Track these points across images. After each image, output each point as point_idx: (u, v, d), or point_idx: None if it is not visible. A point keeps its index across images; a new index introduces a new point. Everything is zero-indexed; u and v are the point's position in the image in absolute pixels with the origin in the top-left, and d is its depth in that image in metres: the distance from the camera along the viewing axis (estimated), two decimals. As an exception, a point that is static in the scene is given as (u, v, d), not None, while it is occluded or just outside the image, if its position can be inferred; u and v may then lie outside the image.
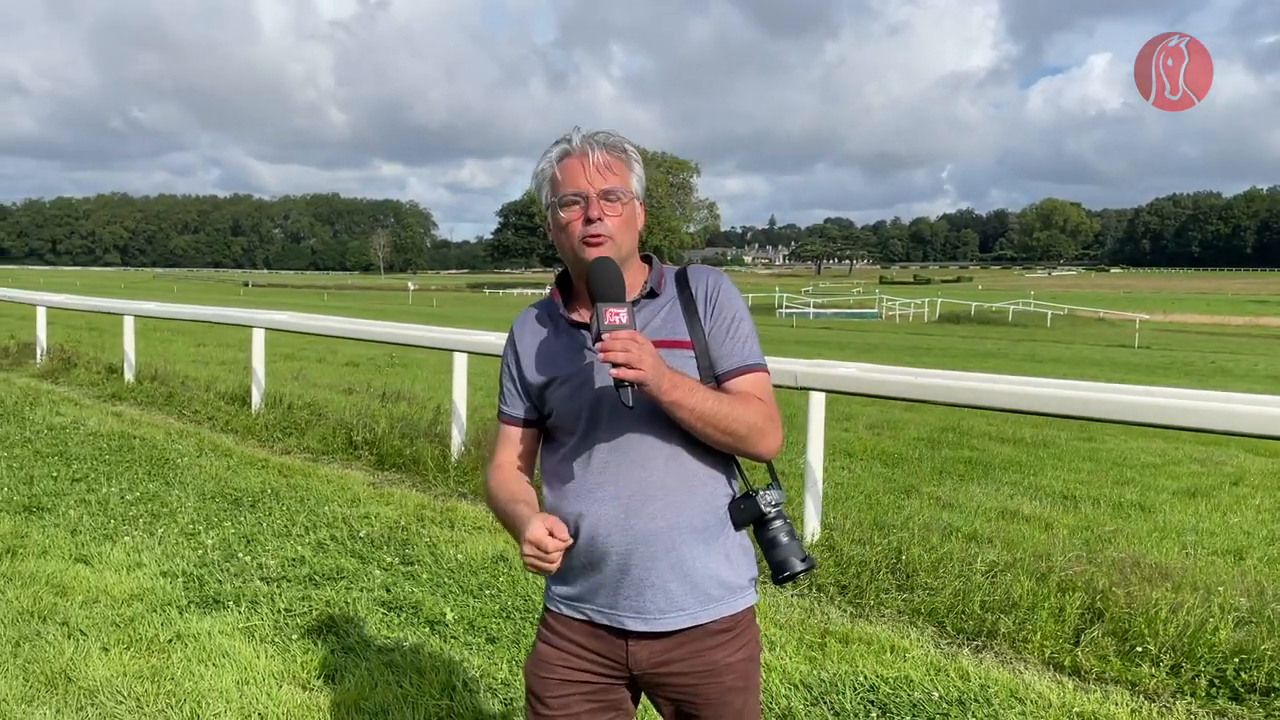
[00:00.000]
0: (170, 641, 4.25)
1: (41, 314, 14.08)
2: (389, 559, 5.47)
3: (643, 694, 2.14)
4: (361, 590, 4.94)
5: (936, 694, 3.87)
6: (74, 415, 9.88)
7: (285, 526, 6.05)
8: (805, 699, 3.83)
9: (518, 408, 2.17)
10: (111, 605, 4.66)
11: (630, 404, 1.85)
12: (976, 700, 3.84)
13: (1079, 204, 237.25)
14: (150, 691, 3.76)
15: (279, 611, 4.63)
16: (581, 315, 2.07)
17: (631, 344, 1.82)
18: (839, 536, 5.58)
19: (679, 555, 2.01)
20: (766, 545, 2.07)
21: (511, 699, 3.78)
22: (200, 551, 5.50)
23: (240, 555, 5.44)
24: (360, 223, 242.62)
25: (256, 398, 9.93)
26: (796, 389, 5.74)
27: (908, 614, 4.75)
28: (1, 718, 3.52)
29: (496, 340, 8.04)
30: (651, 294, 2.08)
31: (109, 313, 13.85)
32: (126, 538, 5.72)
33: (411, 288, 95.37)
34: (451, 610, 4.68)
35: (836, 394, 5.87)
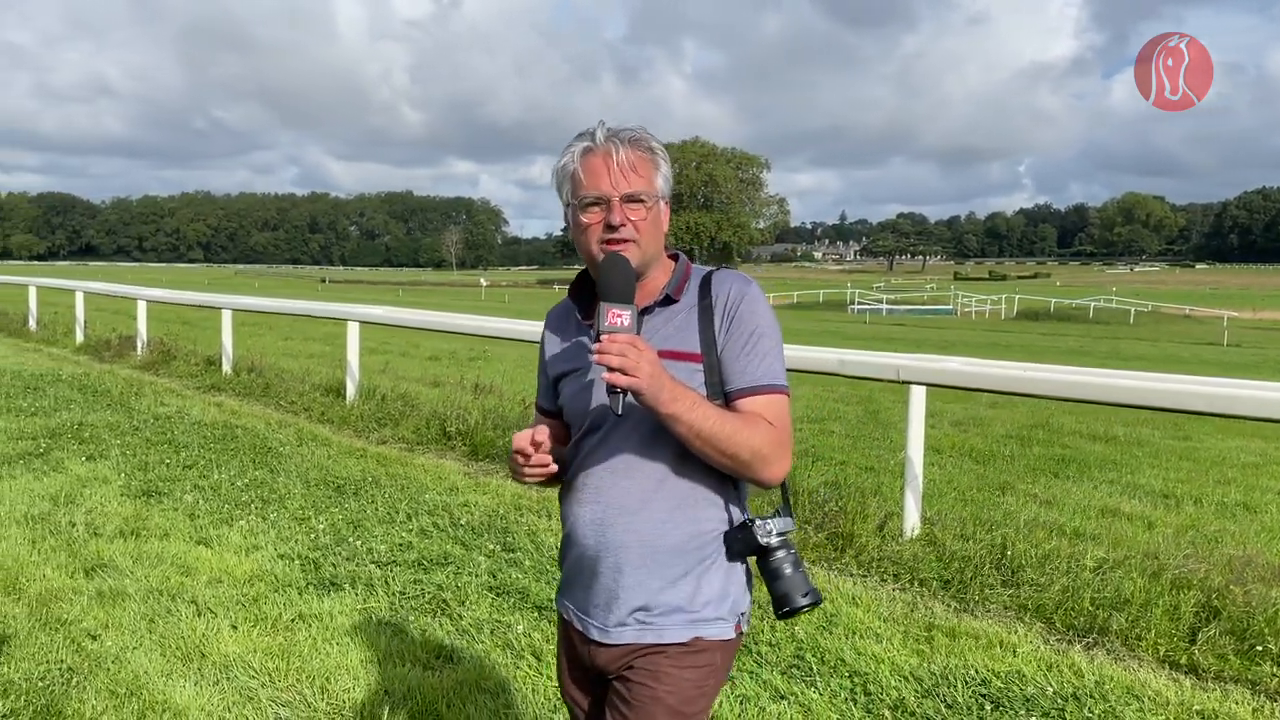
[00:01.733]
0: (294, 621, 4.42)
1: (142, 308, 14.61)
2: (491, 546, 5.60)
3: None
4: (470, 575, 5.07)
5: (1050, 689, 3.85)
6: (177, 405, 10.26)
7: (389, 513, 6.23)
8: (916, 691, 3.84)
9: (547, 399, 2.14)
10: (235, 585, 4.85)
11: (619, 412, 1.76)
12: (1092, 696, 3.81)
13: (1162, 198, 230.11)
14: (281, 667, 3.92)
15: (393, 594, 4.78)
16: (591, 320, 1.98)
17: (629, 349, 1.72)
18: (939, 531, 5.56)
19: (649, 573, 1.92)
20: (768, 576, 1.95)
21: (626, 683, 3.85)
22: (312, 536, 5.70)
23: (350, 540, 5.62)
24: (433, 220, 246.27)
25: (351, 389, 10.19)
26: (898, 383, 5.72)
27: (1014, 609, 4.72)
28: (144, 690, 3.70)
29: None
30: (668, 300, 1.96)
31: (208, 306, 14.33)
32: (242, 522, 5.95)
33: (483, 284, 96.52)
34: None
35: (939, 388, 5.84)
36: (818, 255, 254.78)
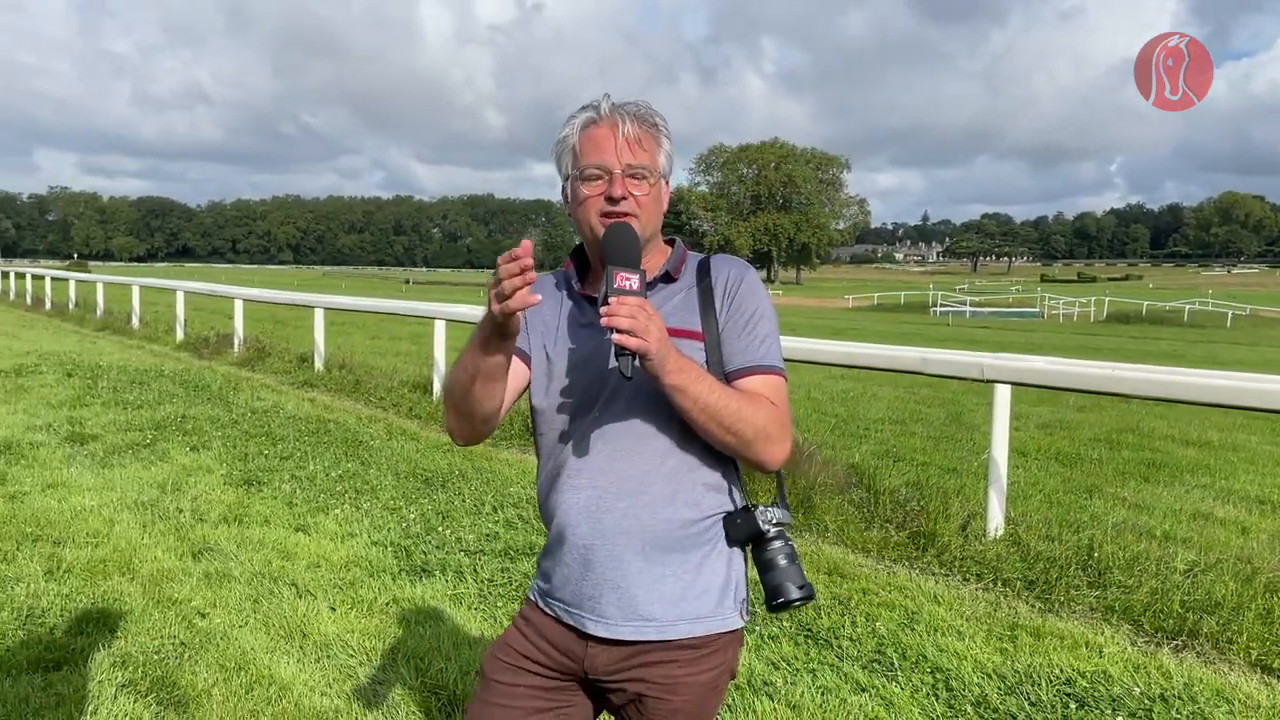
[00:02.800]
0: (388, 604, 4.60)
1: (239, 307, 15.18)
2: (575, 539, 5.72)
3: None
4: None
5: (1138, 690, 3.81)
6: (273, 400, 10.65)
7: (476, 505, 6.41)
8: (999, 688, 3.84)
9: (520, 340, 1.92)
10: (332, 570, 5.07)
11: (629, 374, 1.65)
12: (1180, 698, 3.76)
13: (1262, 197, 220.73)
14: (377, 647, 4.09)
15: (482, 581, 4.93)
16: (595, 291, 1.89)
17: (639, 311, 1.63)
18: (1024, 532, 5.51)
19: (649, 560, 1.83)
20: (762, 566, 1.88)
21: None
22: (404, 525, 5.90)
23: (440, 529, 5.80)
24: (513, 222, 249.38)
25: (438, 386, 10.46)
26: (982, 381, 5.69)
27: (1100, 611, 4.66)
28: (251, 665, 3.90)
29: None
30: (668, 277, 1.92)
31: (300, 305, 14.83)
32: (336, 510, 6.19)
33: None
34: (641, 588, 4.88)
35: (1024, 387, 5.79)
36: (899, 257, 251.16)
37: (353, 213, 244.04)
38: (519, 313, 1.63)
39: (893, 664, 4.05)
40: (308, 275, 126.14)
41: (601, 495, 1.83)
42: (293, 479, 6.99)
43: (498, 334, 1.68)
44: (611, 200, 1.81)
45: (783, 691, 3.77)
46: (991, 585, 5.03)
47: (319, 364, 12.73)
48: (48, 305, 25.00)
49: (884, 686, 3.84)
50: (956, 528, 5.63)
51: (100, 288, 22.37)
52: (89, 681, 3.66)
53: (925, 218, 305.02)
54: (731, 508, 1.89)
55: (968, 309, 56.23)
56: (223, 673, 3.80)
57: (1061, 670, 3.98)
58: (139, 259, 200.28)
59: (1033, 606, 4.77)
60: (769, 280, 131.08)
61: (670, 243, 1.98)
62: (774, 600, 1.86)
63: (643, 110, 1.87)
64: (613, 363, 1.71)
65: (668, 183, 1.91)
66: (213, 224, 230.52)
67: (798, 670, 3.98)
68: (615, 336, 1.61)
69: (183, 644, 4.07)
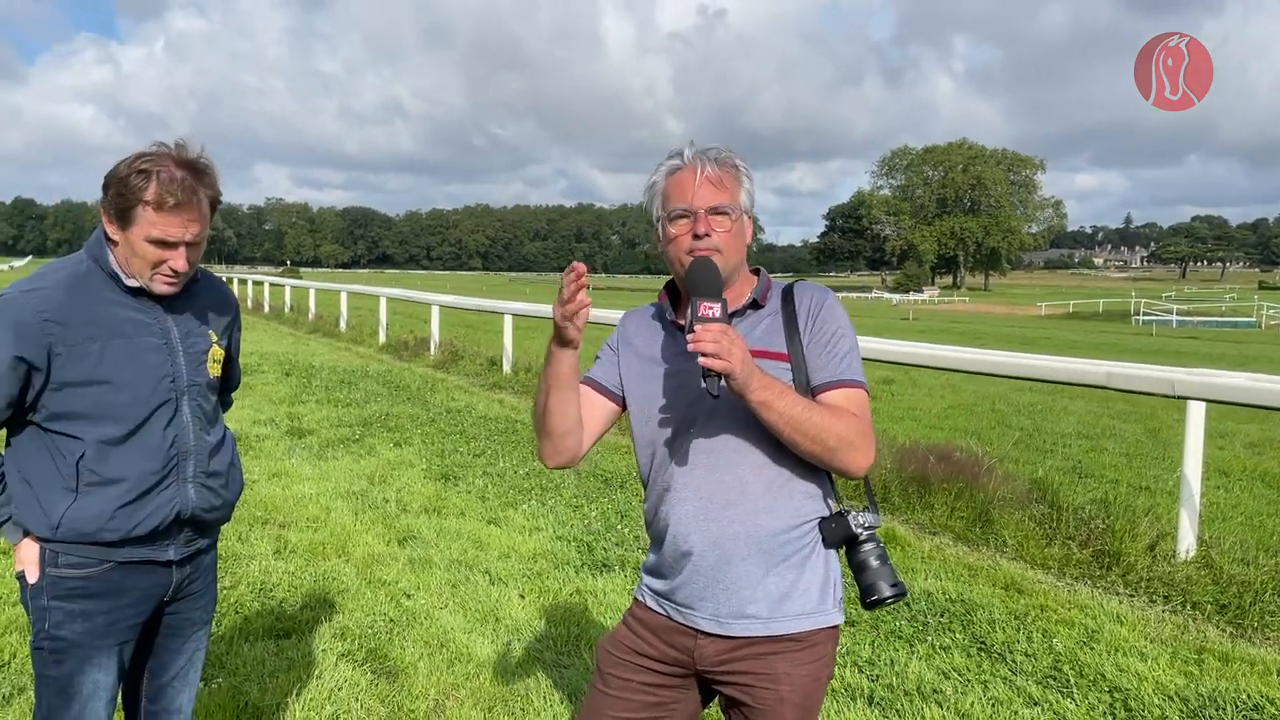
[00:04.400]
0: (572, 595, 4.91)
1: (435, 313, 16.15)
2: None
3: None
4: (728, 567, 5.40)
5: (1336, 723, 3.65)
6: (466, 401, 11.33)
7: (654, 506, 6.67)
8: (1181, 711, 3.76)
9: (606, 375, 2.16)
10: (521, 561, 5.44)
11: (716, 393, 1.83)
12: (1386, 736, 3.57)
13: None
14: (562, 634, 4.40)
15: (659, 579, 5.18)
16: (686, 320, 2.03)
17: (722, 336, 1.81)
18: (1217, 555, 5.29)
19: (755, 563, 1.99)
20: (856, 568, 2.03)
21: (877, 675, 4.03)
22: (585, 522, 6.24)
23: (618, 527, 6.10)
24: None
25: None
26: (1174, 398, 5.49)
27: (1300, 640, 4.44)
28: (451, 642, 4.28)
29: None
30: (755, 305, 2.08)
31: (491, 311, 15.63)
32: (524, 506, 6.60)
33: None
34: (812, 592, 5.00)
35: (1220, 404, 5.54)
36: (1098, 262, 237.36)
37: (537, 220, 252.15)
38: (577, 322, 1.87)
39: (1069, 681, 4.02)
40: (495, 281, 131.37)
41: (707, 505, 2.01)
42: (485, 475, 7.47)
43: (559, 340, 1.94)
44: (696, 237, 1.98)
45: (952, 700, 3.82)
46: (1179, 608, 4.87)
47: (507, 367, 13.41)
48: (266, 308, 27.25)
49: (1058, 702, 3.83)
50: (1144, 547, 5.46)
51: (312, 293, 24.21)
52: (313, 650, 4.13)
53: (1128, 220, 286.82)
54: (826, 513, 2.04)
55: (1174, 318, 52.66)
56: (426, 648, 4.19)
57: (1249, 696, 3.85)
58: (343, 265, 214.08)
59: (1222, 631, 4.60)
60: (955, 286, 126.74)
61: (756, 273, 2.14)
62: (868, 598, 2.01)
63: (723, 154, 2.04)
64: (704, 384, 1.85)
65: (751, 219, 2.09)
66: (409, 232, 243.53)
67: (969, 681, 4.01)
68: (701, 360, 1.80)
69: (392, 621, 4.50)
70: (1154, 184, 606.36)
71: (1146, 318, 52.27)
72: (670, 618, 2.08)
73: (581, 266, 1.83)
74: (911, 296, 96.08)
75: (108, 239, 2.19)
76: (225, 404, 2.57)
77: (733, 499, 1.99)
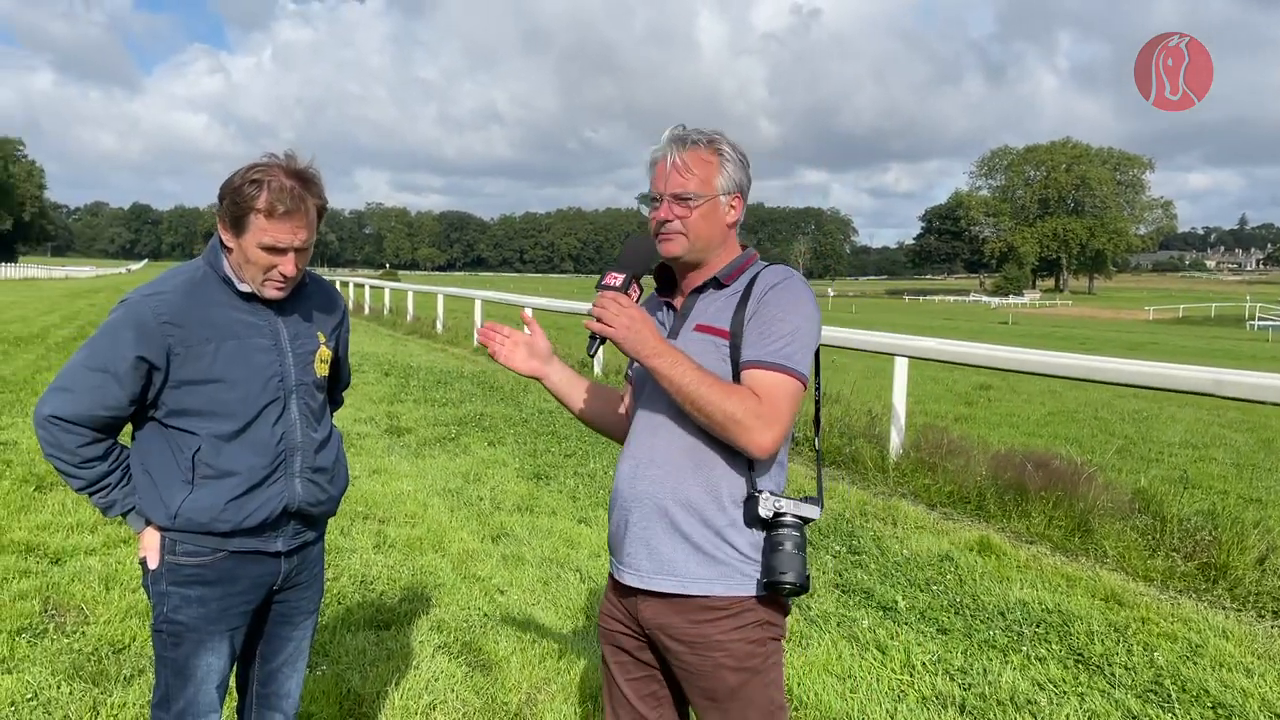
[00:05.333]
0: (661, 595, 4.96)
1: (528, 315, 16.38)
2: (837, 547, 5.86)
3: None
4: (817, 571, 5.38)
5: None
6: (556, 402, 11.46)
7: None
8: (1292, 732, 3.62)
9: (630, 363, 2.28)
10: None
11: (591, 354, 2.06)
12: None
13: None
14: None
15: (747, 581, 5.19)
16: (670, 297, 2.25)
17: (611, 303, 1.97)
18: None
19: (672, 522, 2.07)
20: (767, 547, 2.05)
21: (969, 684, 3.97)
22: (675, 524, 6.28)
23: (708, 530, 6.12)
24: (782, 230, 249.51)
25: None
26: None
27: None
28: (544, 637, 4.37)
29: (937, 345, 8.16)
30: (718, 284, 2.16)
31: (580, 314, 15.80)
32: (614, 507, 6.67)
33: (831, 294, 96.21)
34: (903, 599, 4.96)
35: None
36: (1210, 264, 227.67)
37: (629, 223, 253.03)
38: (504, 361, 2.35)
39: (1170, 695, 3.90)
40: (585, 284, 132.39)
41: (638, 464, 2.13)
42: (576, 475, 7.58)
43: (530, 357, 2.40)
44: (660, 222, 2.12)
45: (1047, 711, 3.75)
46: (1292, 625, 4.68)
47: (597, 369, 13.54)
48: (366, 310, 28.04)
49: (1158, 716, 3.73)
50: (1253, 561, 5.25)
51: (410, 296, 24.83)
52: (411, 641, 4.27)
53: (1243, 221, 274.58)
54: (752, 491, 2.07)
55: (1292, 323, 50.12)
56: (520, 643, 4.29)
57: (1368, 721, 3.68)
58: (439, 268, 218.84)
59: (1340, 651, 4.39)
60: (1057, 289, 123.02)
61: (745, 249, 2.25)
62: (764, 578, 2.04)
63: (697, 139, 2.12)
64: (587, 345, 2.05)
65: (735, 197, 2.16)
66: (503, 235, 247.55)
67: (1064, 693, 3.93)
68: (585, 322, 1.99)
69: (486, 615, 4.62)
70: (1272, 183, 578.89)
71: (1262, 323, 49.88)
72: (614, 576, 2.22)
73: (485, 333, 2.37)
74: (1011, 300, 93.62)
75: (222, 245, 2.32)
76: (336, 403, 2.69)
77: (658, 460, 2.09)
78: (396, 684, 3.82)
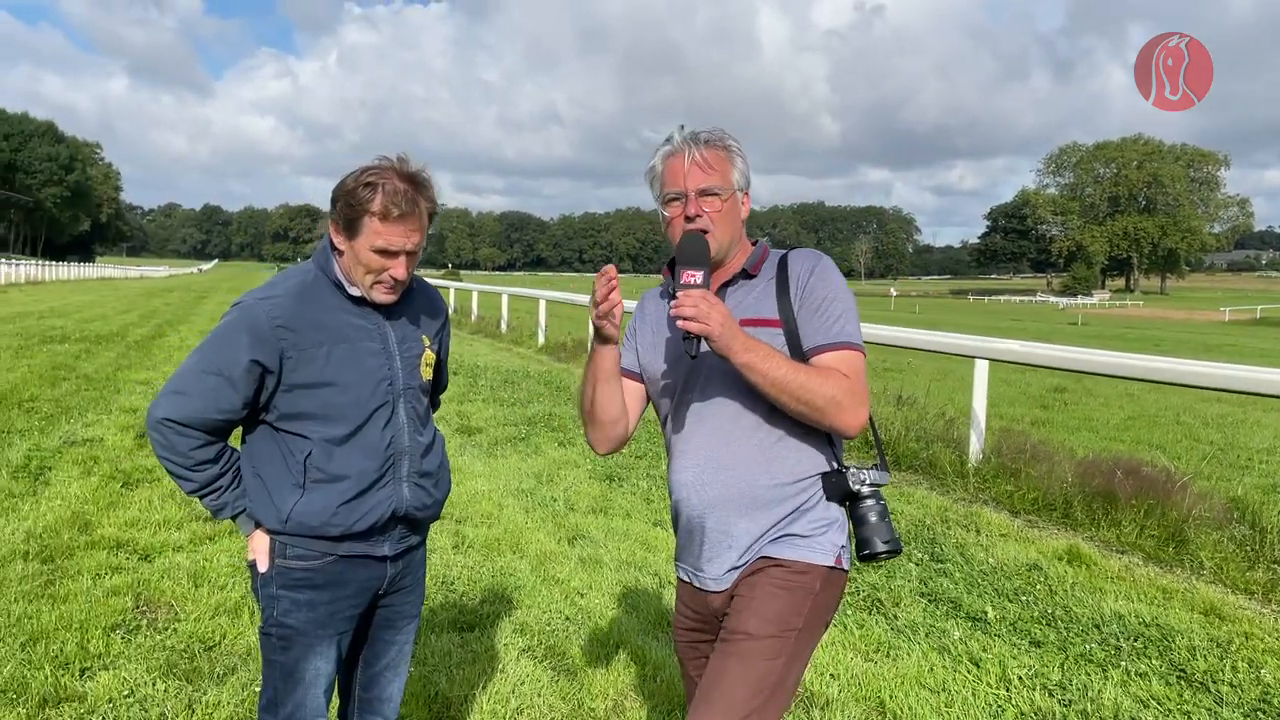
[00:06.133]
0: (743, 601, 4.89)
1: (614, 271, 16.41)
2: (919, 554, 5.73)
3: None
4: (901, 580, 5.26)
5: None
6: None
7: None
8: None
9: (629, 361, 2.30)
10: (689, 565, 5.45)
11: (694, 354, 1.95)
12: None
13: None
14: (735, 640, 4.38)
15: (831, 588, 5.10)
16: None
17: (701, 300, 1.92)
18: None
19: (752, 521, 2.07)
20: (855, 521, 2.10)
21: (1069, 700, 3.84)
22: (752, 528, 6.20)
23: (786, 535, 6.04)
24: (843, 229, 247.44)
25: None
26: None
27: None
28: (627, 643, 4.32)
29: (1019, 348, 7.96)
30: (746, 275, 2.16)
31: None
32: (690, 510, 6.61)
33: (893, 293, 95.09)
34: (992, 610, 4.82)
35: None
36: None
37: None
38: (613, 320, 2.03)
39: (1279, 716, 3.73)
40: (645, 284, 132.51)
41: (703, 470, 2.11)
42: (648, 477, 7.54)
43: (599, 338, 2.09)
44: (689, 219, 2.10)
45: (1153, 731, 3.61)
46: None
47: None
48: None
49: (1273, 740, 3.56)
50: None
51: (475, 295, 25.03)
52: (495, 644, 4.25)
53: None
54: (827, 470, 2.12)
55: (1379, 324, 48.23)
56: (602, 648, 4.25)
57: None
58: (500, 268, 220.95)
59: None
60: (1127, 289, 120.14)
61: (755, 243, 2.24)
62: (861, 551, 2.09)
63: (712, 136, 2.14)
64: (703, 353, 1.96)
65: (746, 195, 2.18)
66: (562, 235, 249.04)
67: (1169, 710, 3.78)
68: (680, 323, 1.93)
69: (568, 619, 4.59)
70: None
71: (1347, 324, 48.07)
72: (689, 583, 2.23)
73: (611, 269, 2.02)
74: (1080, 300, 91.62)
75: (333, 249, 2.31)
76: (434, 405, 2.67)
77: (727, 462, 2.08)
78: (483, 687, 3.80)
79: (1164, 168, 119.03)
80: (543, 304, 18.80)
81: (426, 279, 2.73)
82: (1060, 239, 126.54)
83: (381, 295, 2.31)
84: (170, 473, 2.33)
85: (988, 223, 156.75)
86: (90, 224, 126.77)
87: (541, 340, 18.13)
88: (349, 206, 2.22)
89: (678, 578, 2.29)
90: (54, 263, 69.28)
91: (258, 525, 2.35)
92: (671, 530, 2.29)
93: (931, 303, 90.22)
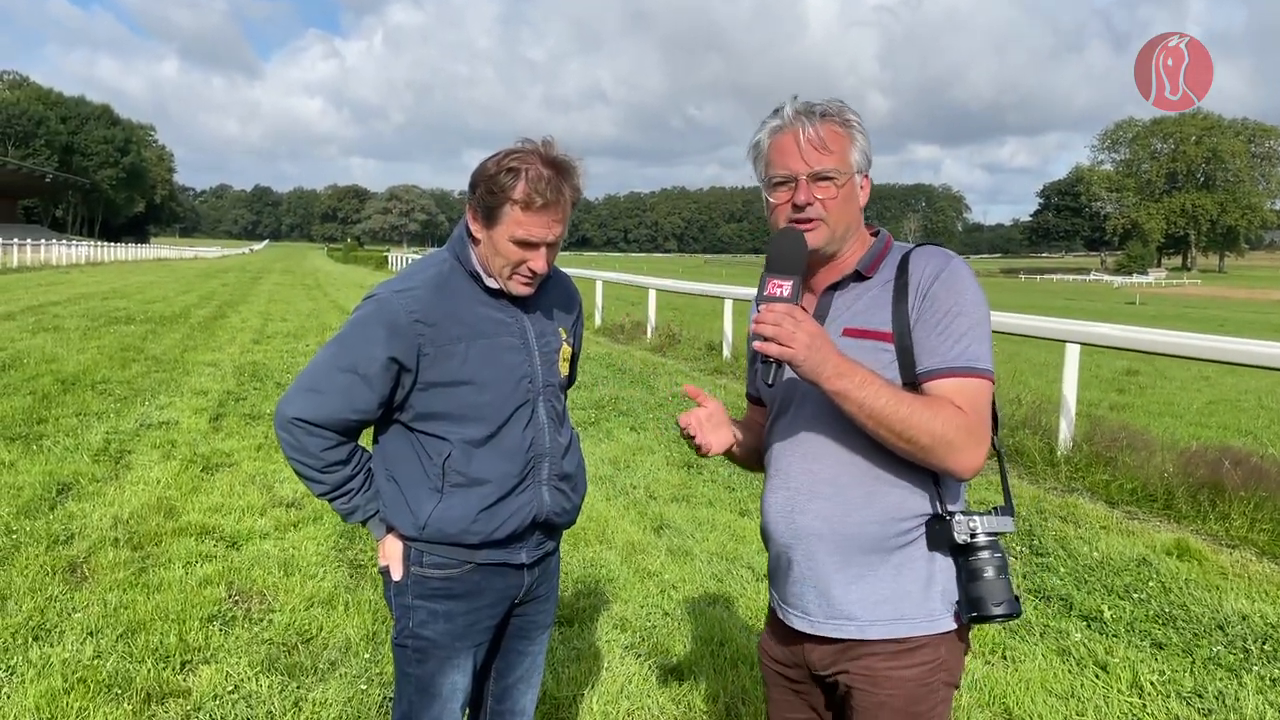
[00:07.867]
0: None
1: (652, 297, 16.25)
2: (1020, 548, 5.52)
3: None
4: (1006, 575, 5.05)
5: None
6: (684, 392, 11.29)
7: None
8: None
9: (750, 384, 2.14)
10: (782, 557, 5.29)
11: (770, 382, 1.68)
12: None
13: None
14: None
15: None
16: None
17: (785, 318, 1.64)
18: None
19: (845, 560, 1.80)
20: (965, 576, 1.78)
21: (1208, 710, 3.63)
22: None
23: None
24: (891, 208, 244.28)
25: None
26: None
27: None
28: (731, 640, 4.15)
29: (1112, 332, 7.68)
30: (858, 276, 1.85)
31: (710, 295, 15.58)
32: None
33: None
34: (1107, 609, 4.60)
35: None
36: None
37: (733, 202, 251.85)
38: (708, 437, 1.92)
39: None
40: (690, 263, 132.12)
41: (794, 496, 1.85)
42: (727, 464, 7.35)
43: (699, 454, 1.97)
44: (797, 208, 1.80)
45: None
46: None
47: (727, 352, 13.31)
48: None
49: None
50: None
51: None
52: (597, 641, 4.13)
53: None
54: (932, 512, 1.80)
55: None
56: (705, 645, 4.11)
57: None
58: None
59: None
60: (1184, 268, 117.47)
61: (876, 234, 1.93)
62: (969, 612, 1.78)
63: (829, 109, 1.82)
64: (758, 368, 1.73)
65: (865, 177, 1.88)
66: (608, 215, 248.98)
67: (1317, 723, 3.55)
68: (756, 344, 1.66)
69: (666, 614, 4.46)
70: None
71: None
72: (776, 614, 1.98)
73: (691, 391, 1.96)
74: (1135, 279, 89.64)
75: (470, 236, 2.16)
76: None
77: (820, 492, 1.82)
78: (592, 687, 3.68)
79: (1224, 142, 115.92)
80: (599, 285, 18.67)
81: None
82: (1115, 216, 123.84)
83: (519, 288, 2.16)
84: (299, 474, 2.21)
85: (1040, 200, 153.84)
86: (145, 205, 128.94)
87: (599, 321, 18.01)
88: (489, 193, 2.06)
89: (769, 604, 2.06)
90: (111, 244, 70.53)
91: (389, 530, 2.22)
92: (755, 518, 2.03)
93: (983, 282, 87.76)
